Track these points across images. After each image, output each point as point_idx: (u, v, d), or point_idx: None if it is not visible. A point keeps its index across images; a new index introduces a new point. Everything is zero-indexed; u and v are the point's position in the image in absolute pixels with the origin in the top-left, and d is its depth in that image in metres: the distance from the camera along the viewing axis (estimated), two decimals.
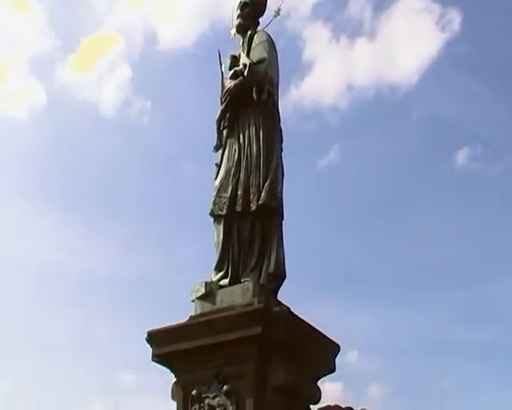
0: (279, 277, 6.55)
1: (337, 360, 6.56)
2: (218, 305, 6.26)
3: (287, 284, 6.68)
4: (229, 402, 5.75)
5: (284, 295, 6.53)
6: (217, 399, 5.83)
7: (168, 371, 6.44)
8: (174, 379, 6.34)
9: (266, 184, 6.60)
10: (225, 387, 5.79)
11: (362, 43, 25.36)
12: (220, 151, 7.19)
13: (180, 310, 6.78)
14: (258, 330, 5.70)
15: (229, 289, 6.35)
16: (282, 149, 7.10)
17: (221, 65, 7.47)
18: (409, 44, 25.82)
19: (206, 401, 5.86)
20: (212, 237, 6.94)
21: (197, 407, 5.92)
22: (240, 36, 7.51)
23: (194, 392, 5.98)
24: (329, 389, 6.52)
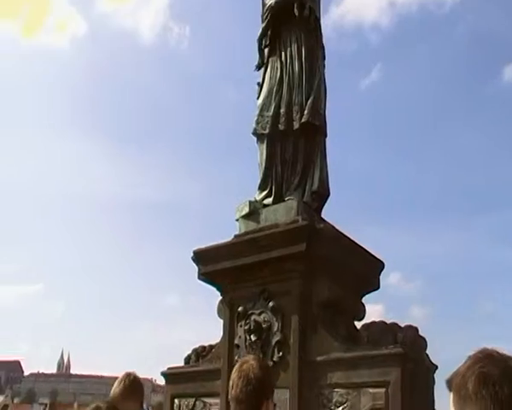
0: (323, 195, 6.53)
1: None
2: (262, 223, 6.28)
3: (330, 205, 6.67)
4: (274, 318, 5.83)
5: (328, 216, 6.52)
6: (262, 315, 5.91)
7: (212, 291, 6.54)
8: (220, 298, 6.46)
9: (309, 101, 6.52)
10: (271, 303, 5.86)
11: None
12: (262, 70, 7.10)
13: (225, 230, 6.85)
14: (302, 247, 5.71)
15: (273, 207, 6.36)
16: (324, 65, 6.97)
17: None
18: None
19: (252, 317, 5.95)
20: (255, 157, 6.92)
21: (243, 323, 6.02)
22: None
23: (240, 309, 6.08)
24: (371, 310, 6.55)
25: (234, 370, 3.09)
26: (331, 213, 6.58)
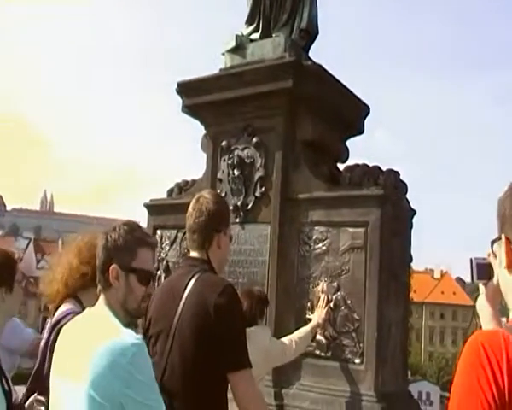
0: (311, 33, 6.35)
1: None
2: (249, 58, 6.13)
3: (321, 48, 6.50)
4: (257, 154, 5.83)
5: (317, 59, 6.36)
6: (246, 151, 5.91)
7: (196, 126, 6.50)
8: (204, 132, 6.42)
9: None
10: (254, 139, 5.83)
11: None
12: None
13: (211, 65, 6.68)
14: (288, 83, 5.62)
15: (260, 42, 6.19)
16: None
17: None
18: None
19: (236, 152, 5.95)
20: None
21: (226, 157, 6.01)
22: None
23: (223, 143, 6.06)
24: None
25: (191, 203, 3.21)
26: (321, 57, 6.42)
